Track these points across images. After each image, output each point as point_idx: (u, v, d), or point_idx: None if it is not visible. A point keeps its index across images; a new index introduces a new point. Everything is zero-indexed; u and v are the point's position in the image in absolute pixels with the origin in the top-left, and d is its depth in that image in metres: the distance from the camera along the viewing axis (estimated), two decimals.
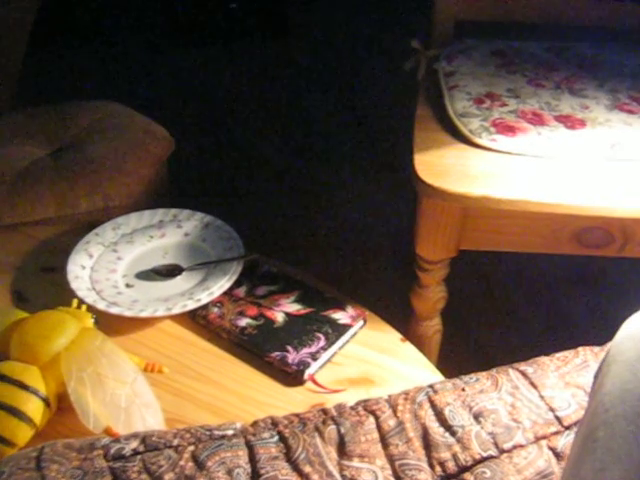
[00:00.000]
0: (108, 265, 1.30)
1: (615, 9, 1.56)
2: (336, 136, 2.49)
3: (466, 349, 1.75)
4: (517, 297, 1.92)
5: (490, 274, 1.95)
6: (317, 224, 2.14)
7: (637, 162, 1.23)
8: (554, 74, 1.43)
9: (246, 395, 1.11)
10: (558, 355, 1.06)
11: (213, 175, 2.32)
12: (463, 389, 0.98)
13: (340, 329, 1.18)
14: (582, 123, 1.29)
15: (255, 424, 0.95)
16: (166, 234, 1.36)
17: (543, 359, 1.05)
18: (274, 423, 0.94)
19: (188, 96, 2.69)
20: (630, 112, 1.32)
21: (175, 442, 0.92)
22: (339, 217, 2.17)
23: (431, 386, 0.99)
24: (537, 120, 1.29)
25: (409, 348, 1.19)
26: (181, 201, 1.56)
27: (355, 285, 1.83)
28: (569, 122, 1.28)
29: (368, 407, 0.96)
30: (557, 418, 0.96)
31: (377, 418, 0.95)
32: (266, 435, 0.92)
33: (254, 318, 1.20)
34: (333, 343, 1.16)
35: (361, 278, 1.92)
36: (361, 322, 1.21)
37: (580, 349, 1.07)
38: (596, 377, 0.81)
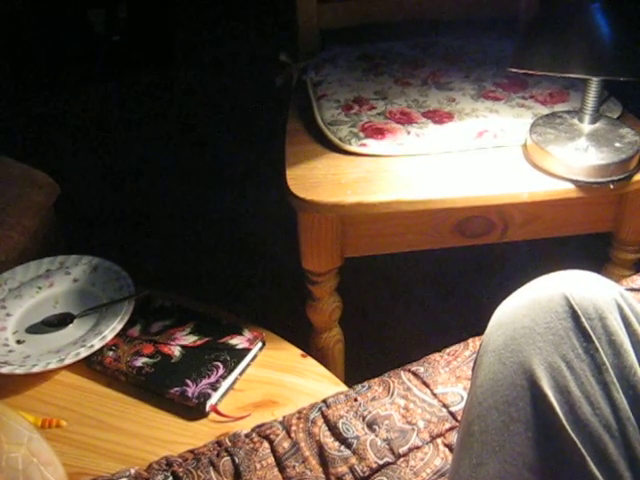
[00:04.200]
0: None
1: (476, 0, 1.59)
2: (233, 157, 2.48)
3: (385, 353, 1.75)
4: (427, 294, 1.93)
5: (398, 275, 1.95)
6: (213, 250, 2.13)
7: (505, 147, 1.25)
8: (420, 71, 1.44)
9: (150, 436, 1.08)
10: (448, 350, 1.06)
11: (107, 214, 2.27)
12: (355, 399, 0.98)
13: (239, 354, 1.17)
14: (450, 116, 1.30)
15: (150, 467, 0.93)
16: (55, 283, 1.33)
17: (434, 356, 1.06)
18: (168, 463, 0.93)
19: (77, 136, 2.63)
20: (495, 99, 1.34)
21: None
22: (234, 239, 2.15)
23: (324, 401, 0.99)
24: (405, 119, 1.29)
25: (310, 363, 1.19)
26: (74, 245, 1.52)
27: (256, 306, 1.82)
28: (437, 117, 1.30)
29: (262, 432, 0.95)
30: (451, 414, 0.96)
31: (271, 442, 0.94)
32: (160, 478, 0.90)
33: (150, 356, 1.18)
34: (232, 370, 1.15)
35: (261, 298, 1.91)
36: (260, 344, 1.20)
37: (470, 340, 1.08)
38: (473, 370, 0.81)
